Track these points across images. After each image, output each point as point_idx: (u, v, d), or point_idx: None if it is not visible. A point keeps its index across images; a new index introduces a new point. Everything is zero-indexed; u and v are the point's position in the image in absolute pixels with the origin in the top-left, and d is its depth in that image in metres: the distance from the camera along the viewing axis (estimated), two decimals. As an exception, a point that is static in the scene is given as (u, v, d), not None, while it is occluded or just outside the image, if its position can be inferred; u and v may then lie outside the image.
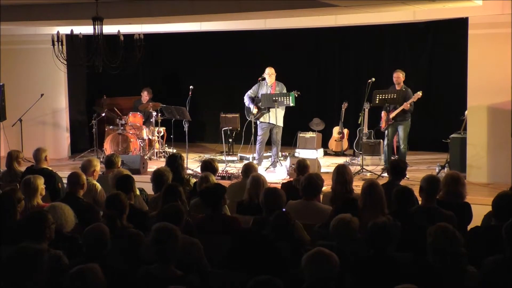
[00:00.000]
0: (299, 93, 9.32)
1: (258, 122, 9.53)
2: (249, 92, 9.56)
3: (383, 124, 9.41)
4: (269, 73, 9.37)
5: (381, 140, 9.89)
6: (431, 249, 3.73)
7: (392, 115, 9.13)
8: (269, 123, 9.43)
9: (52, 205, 4.67)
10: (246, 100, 9.56)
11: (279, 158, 9.64)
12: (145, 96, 11.32)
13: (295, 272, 3.79)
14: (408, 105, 9.04)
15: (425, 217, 4.73)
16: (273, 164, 9.52)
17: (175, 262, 3.78)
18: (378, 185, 5.06)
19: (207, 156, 10.70)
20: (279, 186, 6.26)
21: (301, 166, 6.44)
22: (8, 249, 3.77)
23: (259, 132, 9.50)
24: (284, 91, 9.31)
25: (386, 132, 9.34)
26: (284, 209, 5.06)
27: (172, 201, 4.89)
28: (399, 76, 9.23)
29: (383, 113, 9.38)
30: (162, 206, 5.13)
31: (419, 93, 9.04)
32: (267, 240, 4.22)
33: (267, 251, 4.11)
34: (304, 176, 5.59)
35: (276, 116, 9.26)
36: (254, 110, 9.40)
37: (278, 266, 3.96)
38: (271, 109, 9.33)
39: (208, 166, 6.59)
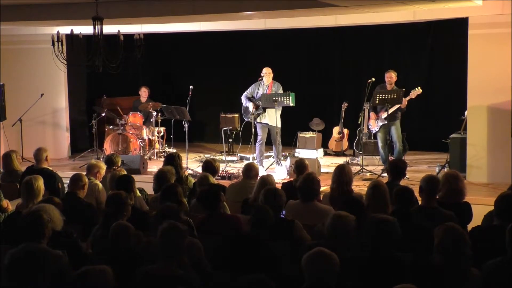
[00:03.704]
0: (293, 93, 9.30)
1: (256, 123, 9.52)
2: (246, 92, 9.55)
3: (373, 125, 9.35)
4: (266, 73, 9.36)
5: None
6: (439, 249, 3.69)
7: (385, 114, 9.04)
8: (266, 124, 9.42)
9: (37, 207, 4.63)
10: (243, 100, 9.54)
11: (279, 158, 9.63)
12: (143, 93, 11.27)
13: (292, 271, 3.80)
14: (406, 102, 9.01)
15: (425, 217, 4.73)
16: (276, 163, 9.50)
17: (178, 261, 3.78)
18: (382, 185, 5.06)
19: (207, 156, 10.71)
20: (279, 186, 6.25)
21: (299, 166, 6.44)
22: (9, 249, 3.77)
23: (258, 132, 9.49)
24: (280, 90, 9.30)
25: (378, 135, 9.27)
26: (284, 211, 5.08)
27: (168, 202, 4.92)
28: (391, 76, 9.16)
29: (371, 114, 9.32)
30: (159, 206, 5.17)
31: (419, 90, 9.00)
32: (259, 240, 4.22)
33: (258, 251, 4.10)
34: (299, 180, 5.58)
35: (272, 117, 9.27)
36: (253, 109, 9.36)
37: (270, 266, 3.95)
38: (267, 110, 9.32)
39: (209, 166, 6.61)
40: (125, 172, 6.20)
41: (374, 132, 9.44)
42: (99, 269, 3.31)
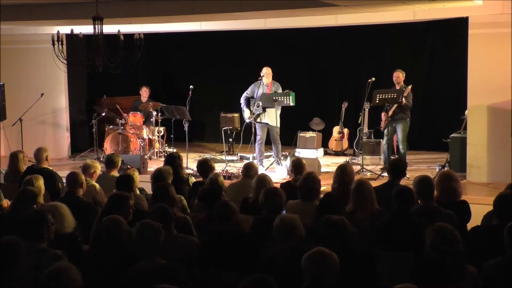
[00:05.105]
0: (293, 93, 9.29)
1: (256, 122, 9.52)
2: (246, 93, 9.55)
3: (383, 125, 9.40)
4: (266, 73, 9.36)
5: (381, 140, 9.88)
6: (431, 249, 3.73)
7: (390, 113, 9.09)
8: (266, 123, 9.42)
9: (50, 205, 4.64)
10: (242, 102, 9.57)
11: (279, 158, 9.63)
12: (144, 93, 11.29)
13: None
14: (404, 100, 9.02)
15: (425, 217, 4.73)
16: (276, 163, 9.50)
17: (158, 254, 3.83)
18: (366, 183, 5.13)
19: (206, 155, 10.71)
20: (278, 186, 6.25)
21: (297, 166, 6.43)
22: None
23: (258, 132, 9.50)
24: (280, 91, 9.31)
25: (385, 131, 9.32)
26: (284, 210, 5.08)
27: (160, 201, 4.93)
28: (398, 76, 9.24)
29: (383, 114, 9.36)
30: (151, 206, 5.19)
31: (408, 88, 9.06)
32: (242, 238, 4.23)
33: (242, 248, 4.11)
34: (300, 180, 5.58)
35: (272, 117, 9.27)
36: (247, 114, 9.40)
37: (253, 263, 3.96)
38: (267, 109, 9.32)
39: (204, 166, 6.59)
40: (137, 172, 6.20)
41: (382, 130, 9.46)
42: (66, 266, 3.31)
